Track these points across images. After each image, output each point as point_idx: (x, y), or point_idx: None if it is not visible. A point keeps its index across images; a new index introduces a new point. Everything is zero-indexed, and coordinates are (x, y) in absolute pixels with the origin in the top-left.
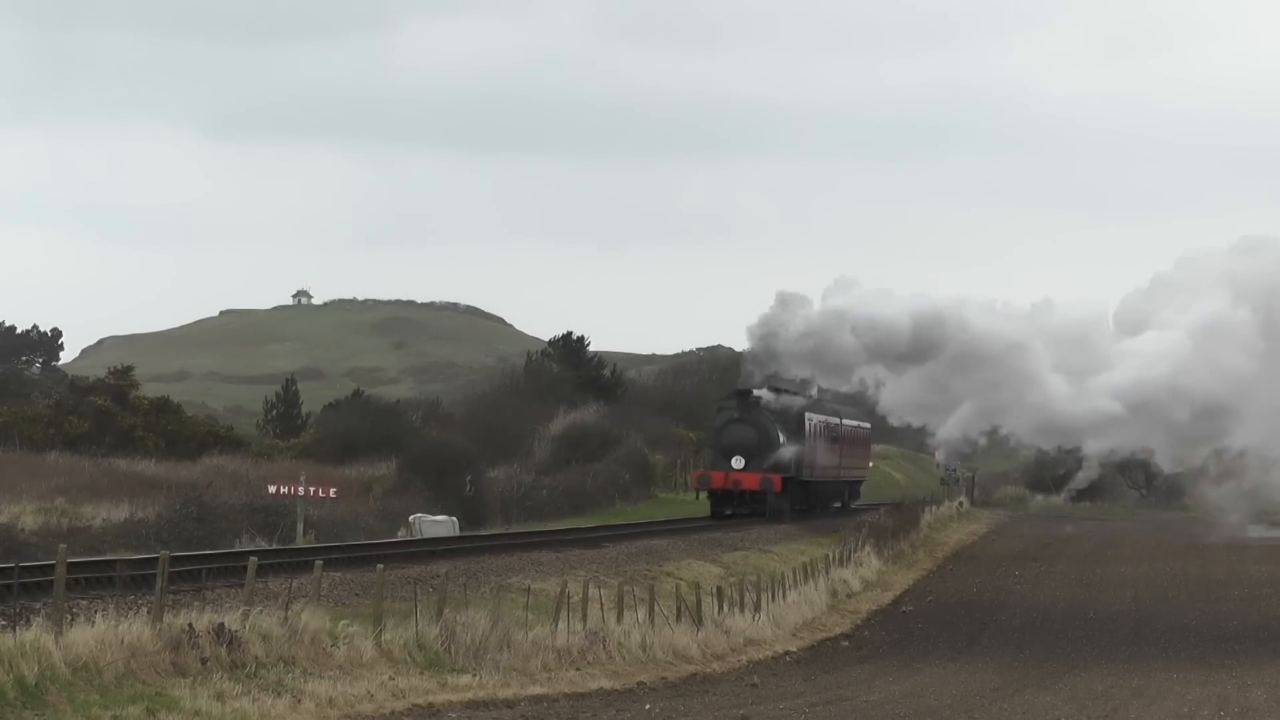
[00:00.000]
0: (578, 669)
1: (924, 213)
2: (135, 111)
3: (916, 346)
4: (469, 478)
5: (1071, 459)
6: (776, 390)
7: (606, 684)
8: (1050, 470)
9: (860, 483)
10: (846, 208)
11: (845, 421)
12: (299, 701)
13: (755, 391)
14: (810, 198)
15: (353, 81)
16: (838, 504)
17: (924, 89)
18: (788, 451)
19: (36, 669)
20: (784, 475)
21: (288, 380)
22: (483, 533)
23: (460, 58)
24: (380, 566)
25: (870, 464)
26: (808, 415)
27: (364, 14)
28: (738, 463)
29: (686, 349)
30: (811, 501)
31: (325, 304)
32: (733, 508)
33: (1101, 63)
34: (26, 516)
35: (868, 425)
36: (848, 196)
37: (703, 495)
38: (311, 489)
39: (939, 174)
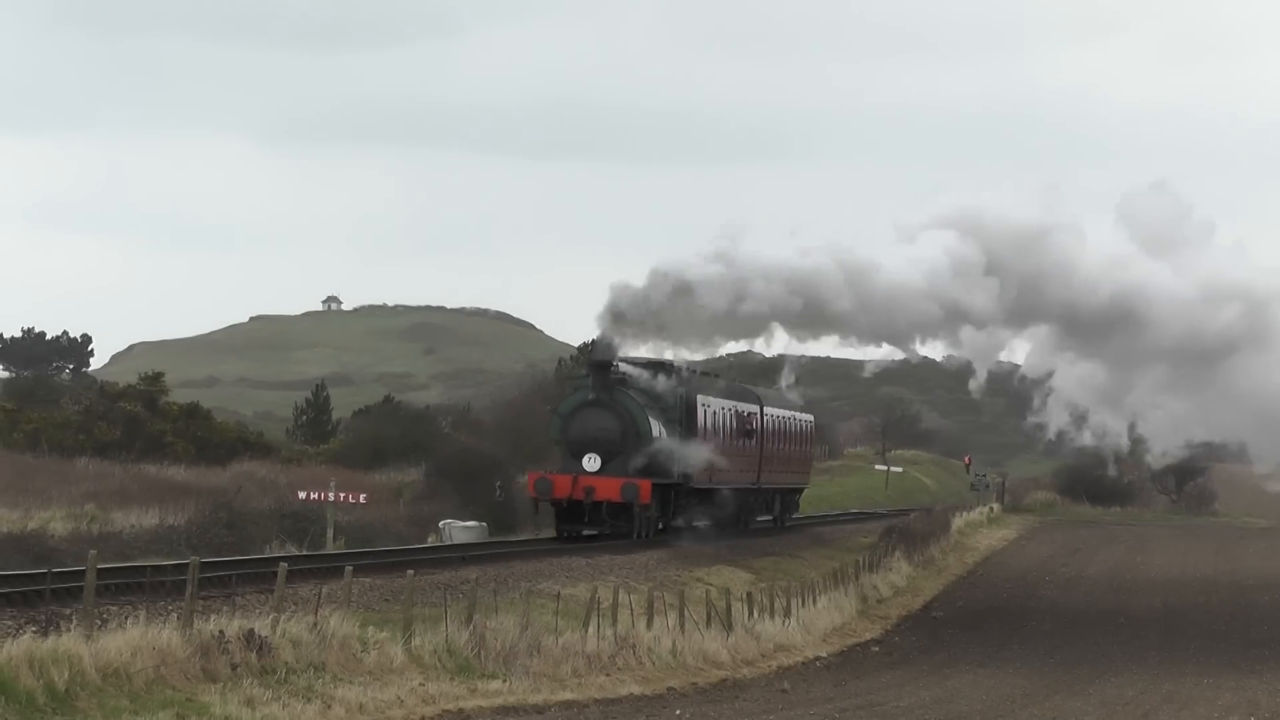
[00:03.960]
0: (608, 674)
1: None
2: (195, 119)
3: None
4: (499, 483)
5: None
6: (654, 366)
7: (636, 689)
8: (1083, 475)
9: (798, 491)
10: (912, 214)
11: (772, 410)
12: (329, 707)
13: (619, 364)
14: (874, 203)
15: (414, 88)
16: (766, 518)
17: (991, 95)
18: (667, 447)
19: (67, 675)
20: (659, 481)
21: (318, 386)
22: (512, 538)
23: (522, 64)
24: (410, 572)
25: (815, 466)
26: (702, 400)
27: (435, 21)
28: (591, 463)
29: (717, 354)
30: (715, 515)
31: (355, 310)
32: (586, 525)
33: (1172, 67)
34: (57, 523)
35: (809, 416)
36: (913, 202)
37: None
38: (341, 495)
39: (1006, 179)
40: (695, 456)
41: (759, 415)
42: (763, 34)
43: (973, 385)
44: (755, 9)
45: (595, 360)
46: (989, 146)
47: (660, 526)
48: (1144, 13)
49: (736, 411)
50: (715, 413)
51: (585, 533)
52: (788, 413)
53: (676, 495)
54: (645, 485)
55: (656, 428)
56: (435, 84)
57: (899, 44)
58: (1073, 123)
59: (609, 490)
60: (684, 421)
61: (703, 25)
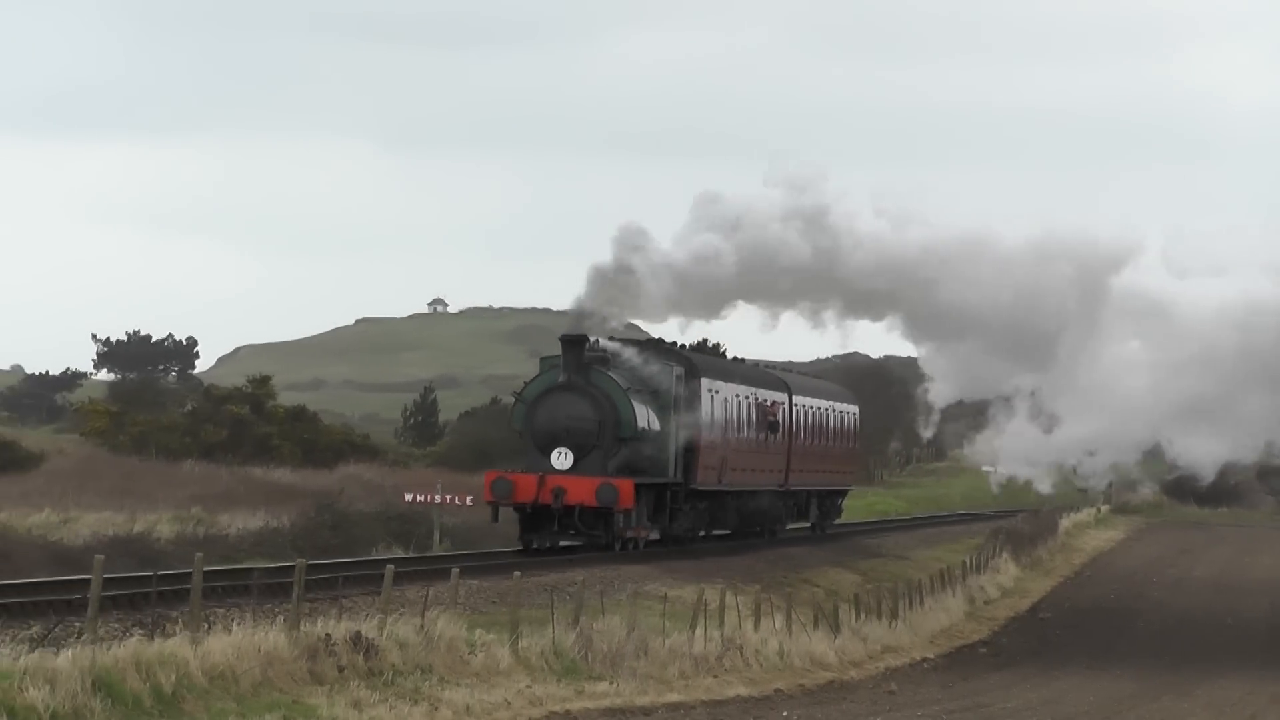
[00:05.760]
0: (715, 676)
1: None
2: (310, 121)
3: None
4: None
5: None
6: (647, 344)
7: (743, 691)
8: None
9: (839, 494)
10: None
11: (804, 399)
12: (435, 709)
13: (598, 340)
14: (1004, 205)
15: (532, 90)
16: (800, 525)
17: (1125, 94)
18: (658, 440)
19: (174, 677)
20: (647, 481)
21: (426, 388)
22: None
23: (643, 65)
24: (517, 574)
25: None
26: (708, 384)
27: (570, 23)
28: (562, 459)
29: (823, 356)
30: (725, 523)
31: (460, 312)
32: (556, 534)
33: None
34: (163, 525)
35: (854, 407)
36: (1044, 204)
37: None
38: (447, 497)
39: (1138, 180)
40: (698, 452)
41: (786, 405)
42: (889, 36)
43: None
44: (881, 11)
45: (567, 335)
46: (1117, 148)
47: (657, 536)
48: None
49: (756, 400)
50: (727, 400)
51: (562, 543)
52: (825, 403)
53: (674, 499)
54: (626, 486)
55: (644, 416)
56: (556, 85)
57: (1027, 46)
58: (1201, 124)
59: (582, 492)
60: (683, 410)
61: (830, 24)
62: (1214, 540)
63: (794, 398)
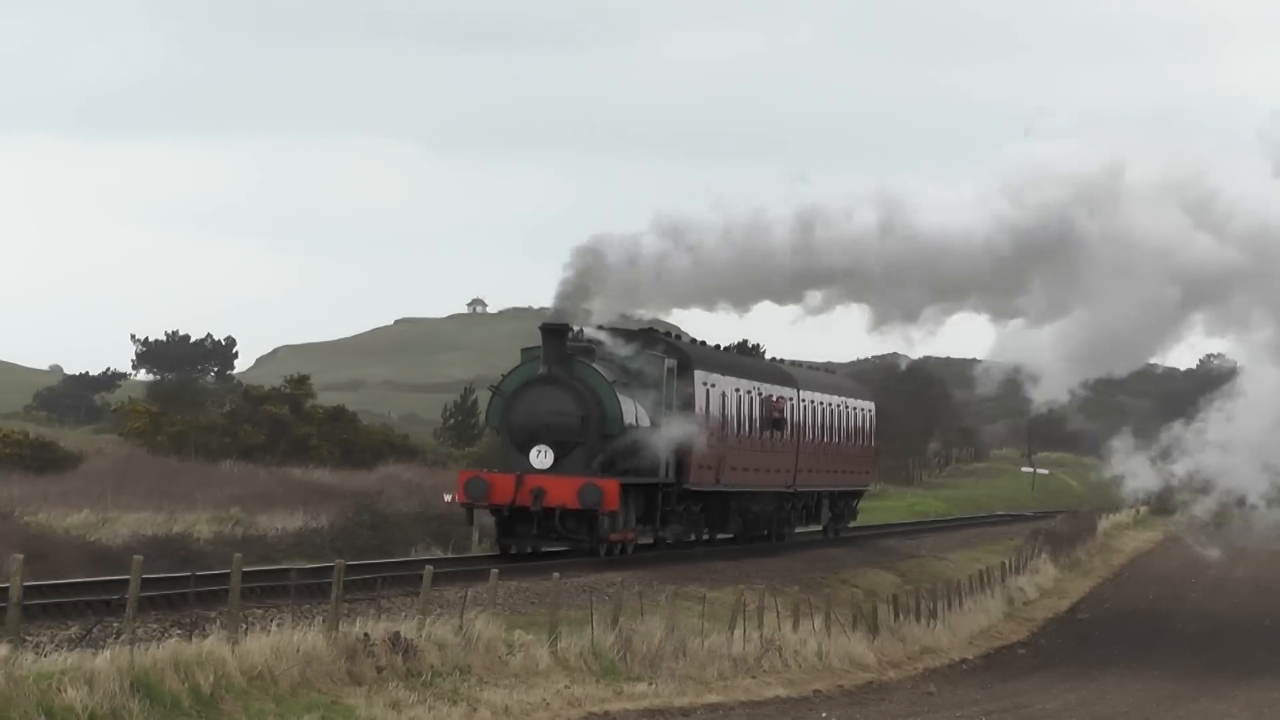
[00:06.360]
0: (753, 677)
1: None
2: (359, 123)
3: None
4: None
5: None
6: (637, 334)
7: (782, 692)
8: None
9: (854, 495)
10: None
11: (812, 394)
12: (474, 710)
13: (581, 330)
14: None
15: (574, 91)
16: (811, 528)
17: (1174, 97)
18: (647, 438)
19: (212, 678)
20: (635, 481)
21: (465, 388)
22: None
23: (685, 66)
24: (555, 575)
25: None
26: (703, 377)
27: (612, 24)
28: (541, 458)
29: (862, 356)
30: (734, 525)
31: (500, 312)
32: (536, 539)
33: None
34: (201, 525)
35: (869, 404)
36: None
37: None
38: None
39: None
40: (692, 450)
41: (793, 400)
42: (932, 36)
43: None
44: (925, 12)
45: (548, 325)
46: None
47: (649, 540)
48: None
49: (759, 395)
50: (725, 395)
51: (545, 549)
52: (836, 399)
53: (665, 500)
54: (611, 486)
55: (631, 412)
56: (598, 86)
57: (1072, 47)
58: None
59: (563, 493)
60: (675, 405)
61: (874, 24)
62: (1252, 543)
63: (802, 393)
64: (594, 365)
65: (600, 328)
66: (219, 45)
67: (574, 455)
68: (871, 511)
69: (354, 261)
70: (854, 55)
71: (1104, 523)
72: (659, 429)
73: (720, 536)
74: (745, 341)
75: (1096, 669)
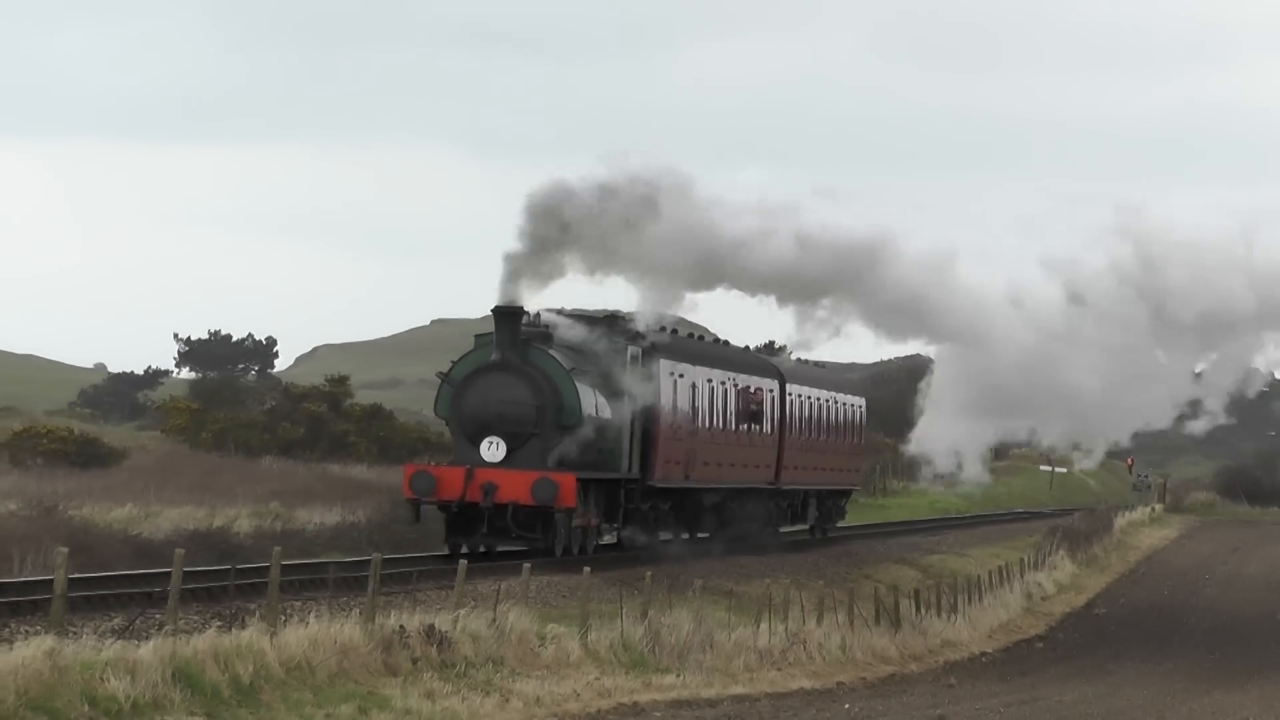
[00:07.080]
0: (779, 669)
1: None
2: (406, 127)
3: None
4: None
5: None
6: (598, 319)
7: (807, 684)
8: (1242, 476)
9: (843, 494)
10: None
11: (800, 388)
12: (507, 700)
13: (538, 314)
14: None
15: (626, 97)
16: (797, 527)
17: (1196, 106)
18: (609, 430)
19: (251, 669)
20: (594, 476)
21: None
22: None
23: (723, 74)
24: (587, 569)
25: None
26: (670, 366)
27: (652, 32)
28: (493, 450)
29: (886, 358)
30: (696, 525)
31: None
32: (487, 537)
33: None
34: (242, 520)
35: (859, 400)
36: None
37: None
38: None
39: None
40: (658, 444)
41: (777, 393)
42: (966, 46)
43: None
44: (959, 21)
45: (500, 307)
46: (1188, 160)
47: (613, 539)
48: None
49: (736, 386)
50: (695, 386)
51: (486, 547)
52: (825, 393)
53: (628, 498)
54: (567, 481)
55: (591, 401)
56: (638, 93)
57: (1099, 57)
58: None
59: (515, 488)
60: (639, 395)
61: (912, 36)
62: (1266, 538)
63: (788, 386)
64: (551, 351)
65: (559, 311)
66: (268, 51)
67: (528, 448)
68: (892, 508)
69: (394, 263)
70: (890, 65)
71: (1120, 520)
72: (621, 420)
73: (699, 536)
74: (771, 343)
75: (1112, 663)
